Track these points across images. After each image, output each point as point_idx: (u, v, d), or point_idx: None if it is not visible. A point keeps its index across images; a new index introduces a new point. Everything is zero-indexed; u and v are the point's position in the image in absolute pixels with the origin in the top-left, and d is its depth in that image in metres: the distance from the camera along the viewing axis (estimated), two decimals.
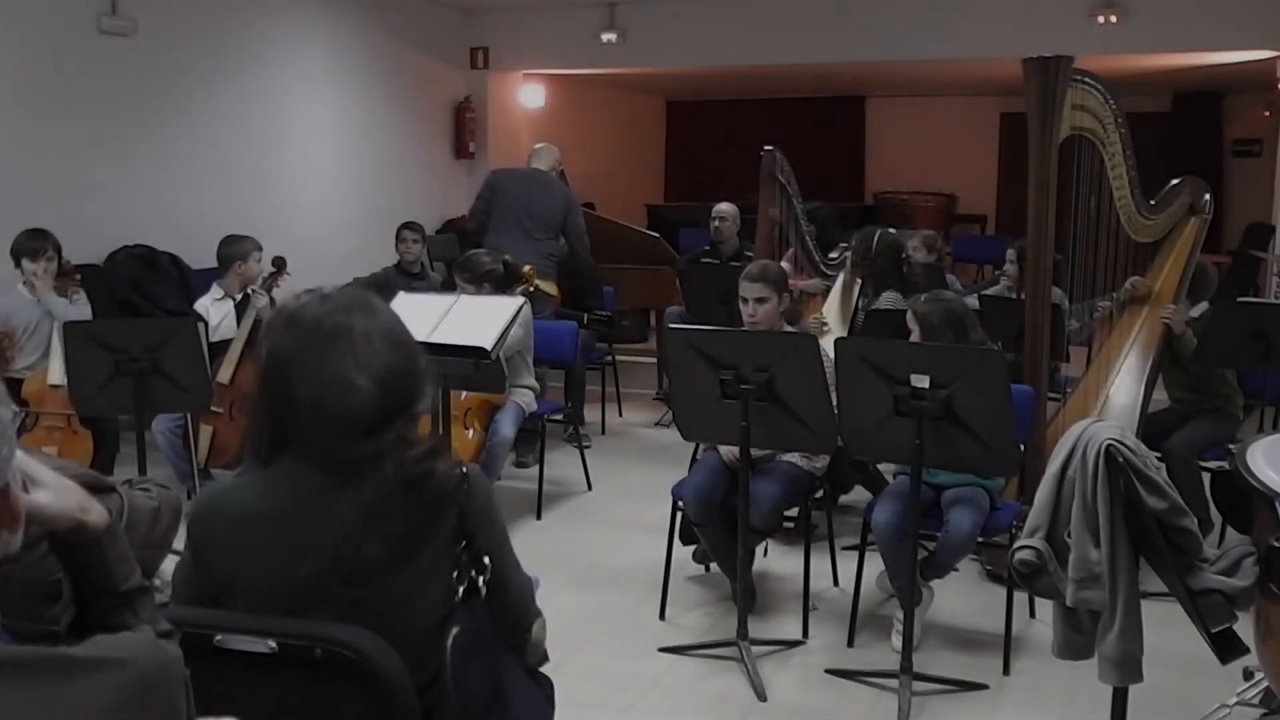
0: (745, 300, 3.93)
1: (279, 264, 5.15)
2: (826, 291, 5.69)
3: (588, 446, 5.76)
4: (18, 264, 4.97)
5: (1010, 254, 5.58)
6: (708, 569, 4.25)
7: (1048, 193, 4.06)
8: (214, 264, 5.39)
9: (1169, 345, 4.54)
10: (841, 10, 8.39)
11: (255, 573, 1.67)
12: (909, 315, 3.71)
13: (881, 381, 3.13)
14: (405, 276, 6.46)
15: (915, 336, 3.65)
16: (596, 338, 6.65)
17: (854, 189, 13.49)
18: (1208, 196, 4.78)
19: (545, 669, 1.99)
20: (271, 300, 5.09)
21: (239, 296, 5.15)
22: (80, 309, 5.03)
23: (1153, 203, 4.62)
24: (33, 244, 4.94)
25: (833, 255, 6.01)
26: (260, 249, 5.22)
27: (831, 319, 5.32)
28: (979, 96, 12.91)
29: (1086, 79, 4.20)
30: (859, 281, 5.33)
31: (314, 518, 1.65)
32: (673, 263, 7.32)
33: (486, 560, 1.72)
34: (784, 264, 5.73)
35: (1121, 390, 4.47)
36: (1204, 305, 4.66)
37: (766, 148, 6.00)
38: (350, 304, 1.71)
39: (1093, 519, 2.40)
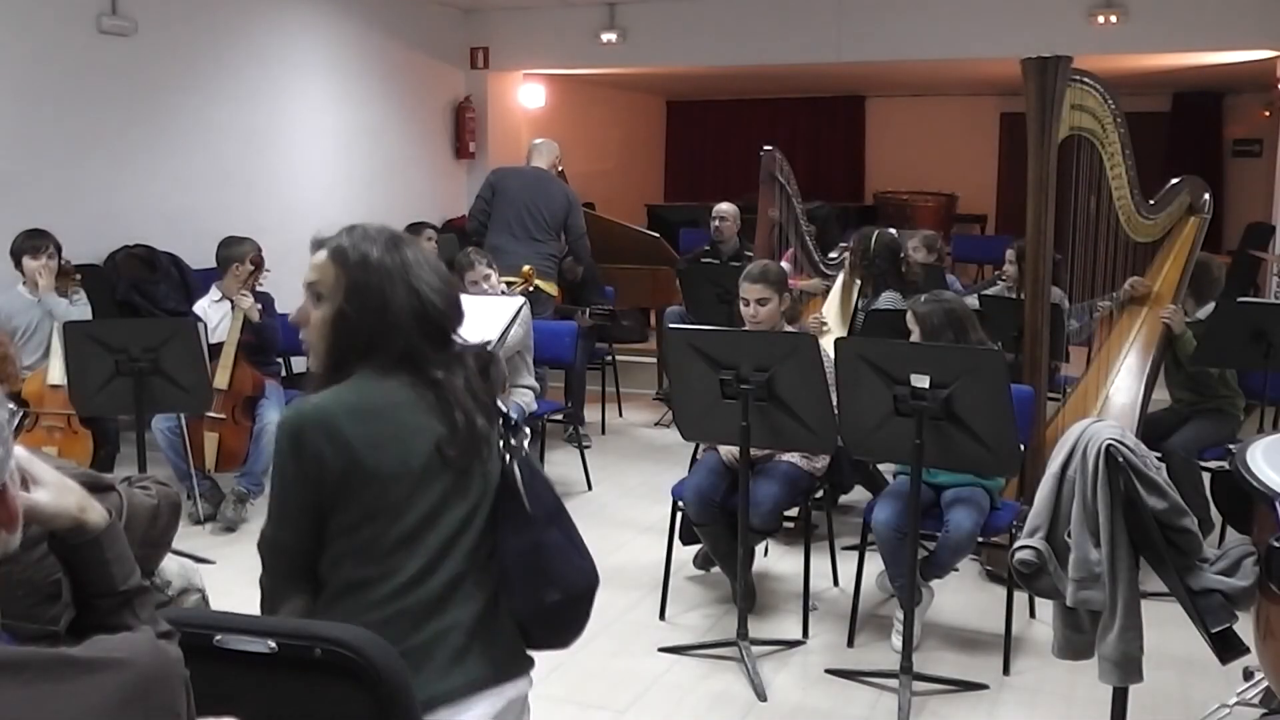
0: (746, 301, 3.93)
1: (256, 261, 5.13)
2: (826, 291, 5.69)
3: (588, 446, 5.76)
4: (18, 264, 4.97)
5: (1010, 254, 5.57)
6: (707, 572, 4.25)
7: (1047, 193, 4.05)
8: (214, 264, 5.38)
9: (1169, 345, 4.54)
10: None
11: (380, 458, 1.76)
12: (909, 316, 3.71)
13: (881, 381, 3.13)
14: None
15: (915, 337, 3.65)
16: (597, 336, 6.64)
17: (854, 189, 13.49)
18: (1207, 196, 4.78)
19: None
20: (256, 298, 5.07)
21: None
22: (80, 309, 5.04)
23: (1152, 202, 4.62)
24: (33, 242, 4.95)
25: (832, 255, 6.01)
26: (260, 250, 5.21)
27: (831, 319, 5.32)
28: (979, 96, 12.91)
29: (1085, 79, 4.20)
30: (858, 282, 5.33)
31: (424, 402, 1.81)
32: (673, 263, 7.32)
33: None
34: (784, 264, 5.73)
35: (1121, 390, 4.47)
36: (1210, 306, 4.65)
37: (766, 147, 6.00)
38: (399, 234, 1.92)
39: (1093, 519, 2.40)
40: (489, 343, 2.04)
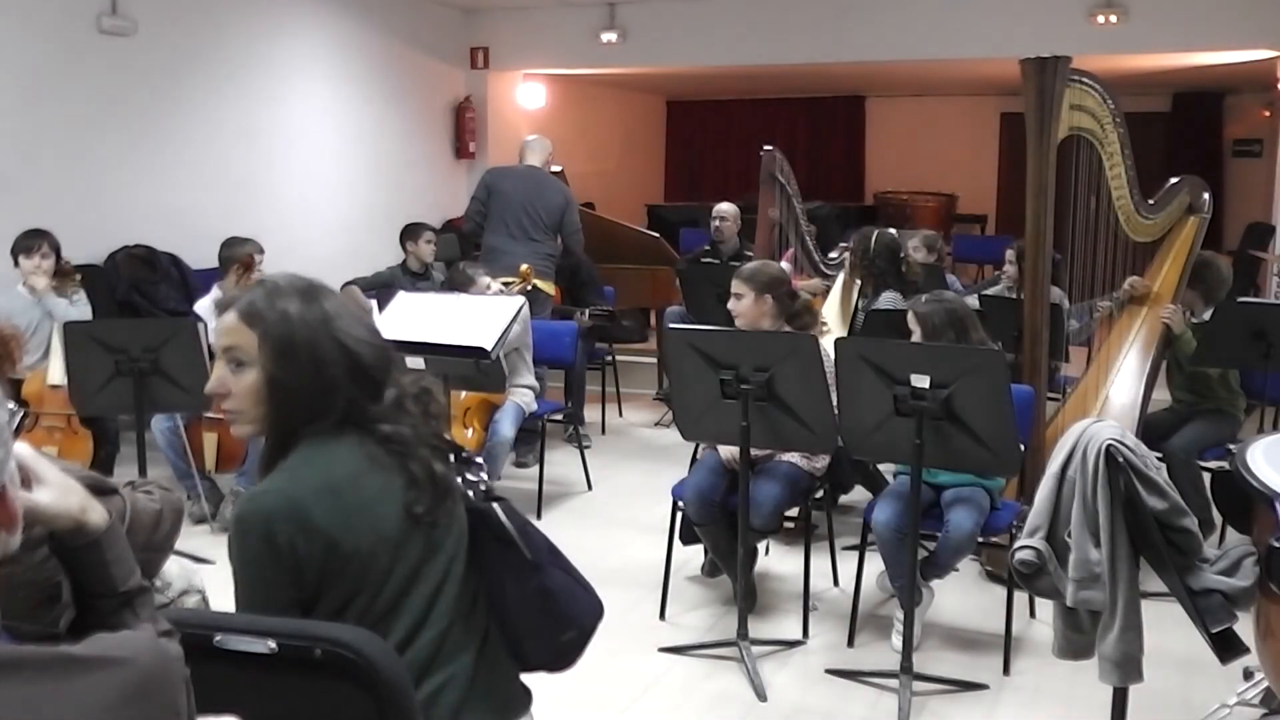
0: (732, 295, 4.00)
1: (246, 261, 5.12)
2: (826, 291, 5.69)
3: (588, 446, 5.76)
4: (17, 264, 4.98)
5: (1010, 254, 5.58)
6: (714, 578, 4.24)
7: (1046, 193, 4.05)
8: (214, 264, 5.38)
9: (1169, 345, 4.54)
10: None
11: (355, 536, 1.68)
12: (910, 316, 3.71)
13: (881, 381, 3.13)
14: (410, 276, 6.47)
15: (916, 337, 3.65)
16: (597, 336, 6.64)
17: (854, 189, 13.50)
18: (1206, 195, 4.78)
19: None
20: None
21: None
22: (80, 309, 5.04)
23: (1151, 202, 4.62)
24: (27, 242, 4.96)
25: (832, 255, 6.01)
26: (262, 252, 5.21)
27: (831, 319, 5.31)
28: (979, 96, 12.91)
29: (1085, 79, 4.19)
30: (858, 282, 5.33)
31: (380, 462, 1.73)
32: (673, 263, 7.32)
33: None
34: (784, 264, 5.73)
35: (1121, 390, 4.47)
36: None
37: (766, 147, 6.00)
38: (319, 283, 1.82)
39: (1093, 519, 2.40)
40: (422, 374, 1.92)
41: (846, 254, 5.53)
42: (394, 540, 1.71)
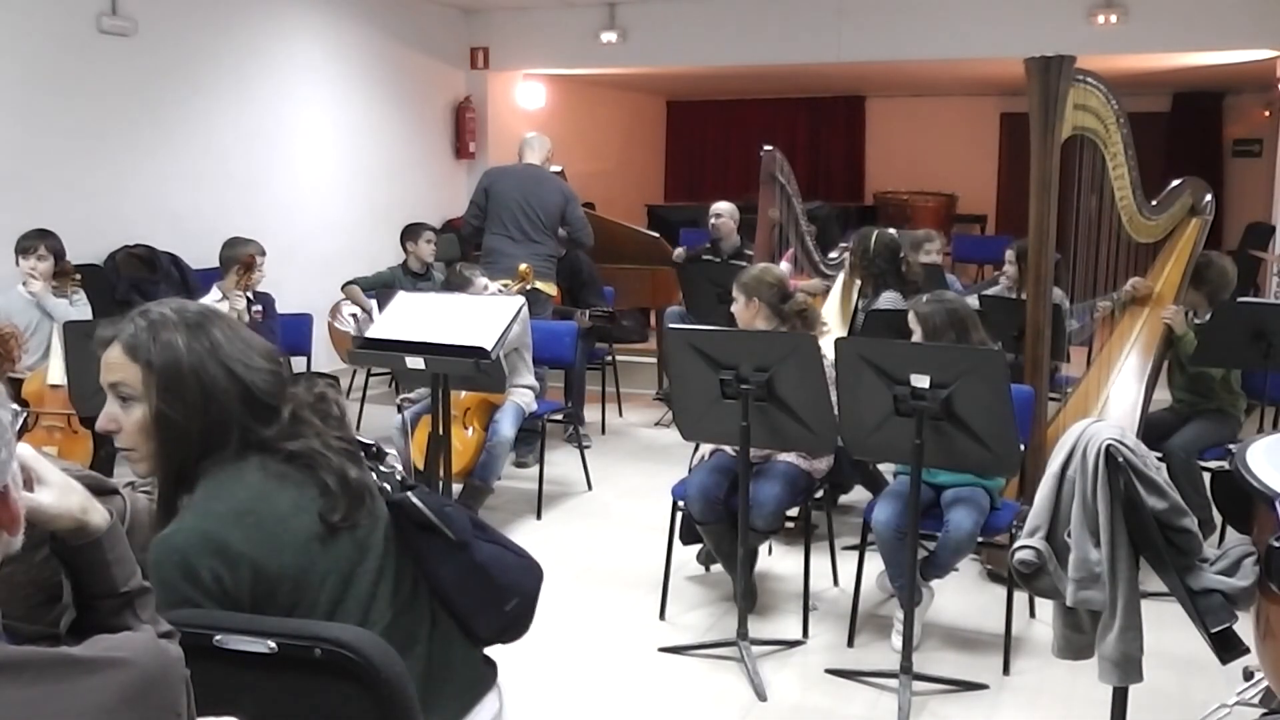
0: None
1: (247, 261, 5.12)
2: (826, 292, 5.69)
3: (588, 446, 5.76)
4: (19, 263, 4.99)
5: (1009, 254, 5.58)
6: (708, 569, 4.26)
7: (1049, 192, 4.05)
8: (214, 264, 5.38)
9: (1170, 346, 4.54)
10: None
11: (279, 556, 1.64)
12: (910, 316, 3.71)
13: (881, 381, 3.13)
14: (410, 276, 6.47)
15: (917, 337, 3.65)
16: (597, 336, 6.63)
17: (854, 189, 13.49)
18: (1209, 197, 4.78)
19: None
20: (248, 300, 5.07)
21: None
22: (80, 309, 5.04)
23: (1154, 203, 4.62)
24: (26, 241, 4.97)
25: (832, 255, 6.01)
26: (264, 253, 5.21)
27: (831, 319, 5.31)
28: (979, 96, 12.91)
29: (1089, 79, 4.19)
30: (858, 282, 5.33)
31: (288, 479, 1.70)
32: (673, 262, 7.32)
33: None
34: (784, 264, 5.73)
35: (1122, 391, 4.47)
36: None
37: (766, 148, 6.00)
38: (194, 305, 1.82)
39: (1093, 519, 2.40)
40: (313, 379, 1.87)
41: (846, 254, 5.53)
42: (318, 552, 1.68)
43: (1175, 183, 4.75)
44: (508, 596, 1.87)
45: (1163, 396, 4.74)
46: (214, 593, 1.60)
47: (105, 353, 1.75)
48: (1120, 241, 4.58)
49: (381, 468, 1.84)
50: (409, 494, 1.82)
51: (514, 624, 1.91)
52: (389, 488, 1.82)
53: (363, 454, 1.82)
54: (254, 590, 1.63)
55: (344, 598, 1.70)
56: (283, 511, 1.67)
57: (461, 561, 1.83)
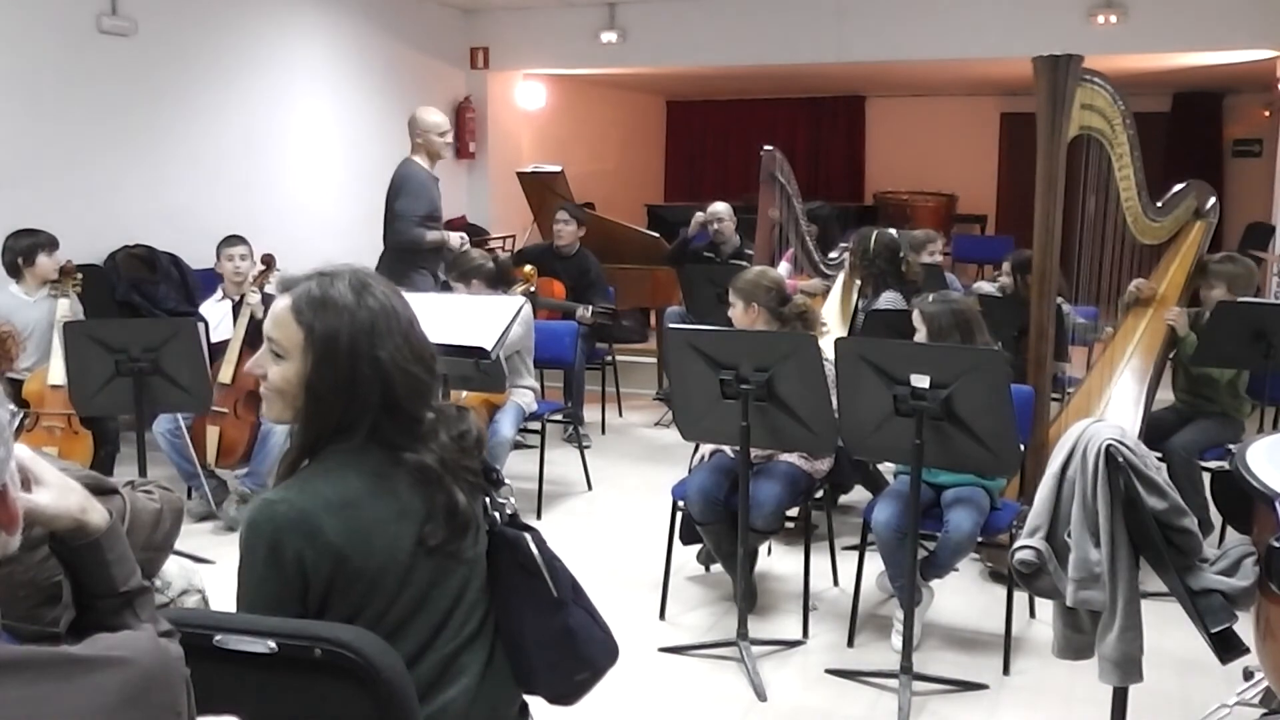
0: None
1: (268, 261, 5.14)
2: (826, 292, 5.69)
3: (588, 446, 5.76)
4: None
5: (1005, 265, 5.61)
6: (708, 569, 4.26)
7: (1055, 191, 4.05)
8: (214, 264, 5.38)
9: (1173, 348, 4.54)
10: None
11: (366, 555, 1.65)
12: (915, 315, 3.71)
13: (881, 381, 3.13)
14: None
15: (921, 336, 3.65)
16: (597, 337, 6.63)
17: (854, 189, 13.50)
18: (1213, 201, 4.79)
19: None
20: (264, 298, 5.08)
21: (237, 297, 5.15)
22: (71, 306, 5.03)
23: (1159, 205, 4.62)
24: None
25: (832, 255, 6.01)
26: (240, 245, 5.16)
27: (831, 319, 5.32)
28: (979, 96, 12.92)
29: (1096, 79, 4.18)
30: (858, 282, 5.33)
31: (397, 486, 1.69)
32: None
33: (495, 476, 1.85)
34: (783, 264, 5.73)
35: (1125, 391, 4.47)
36: None
37: (766, 147, 5.99)
38: (381, 284, 1.77)
39: (1093, 519, 2.40)
40: (460, 406, 1.86)
41: (846, 254, 5.53)
42: (404, 564, 1.68)
43: (1180, 186, 4.75)
44: (582, 668, 1.85)
45: (1165, 396, 4.74)
46: (292, 570, 1.63)
47: (277, 302, 1.74)
48: (1125, 243, 4.57)
49: (496, 496, 1.82)
50: (527, 535, 1.81)
51: (573, 693, 1.89)
52: (497, 518, 1.81)
53: (485, 475, 1.80)
54: (331, 580, 1.64)
55: (415, 616, 1.70)
56: (384, 515, 1.67)
57: (552, 620, 1.80)
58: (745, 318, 3.98)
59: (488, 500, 1.81)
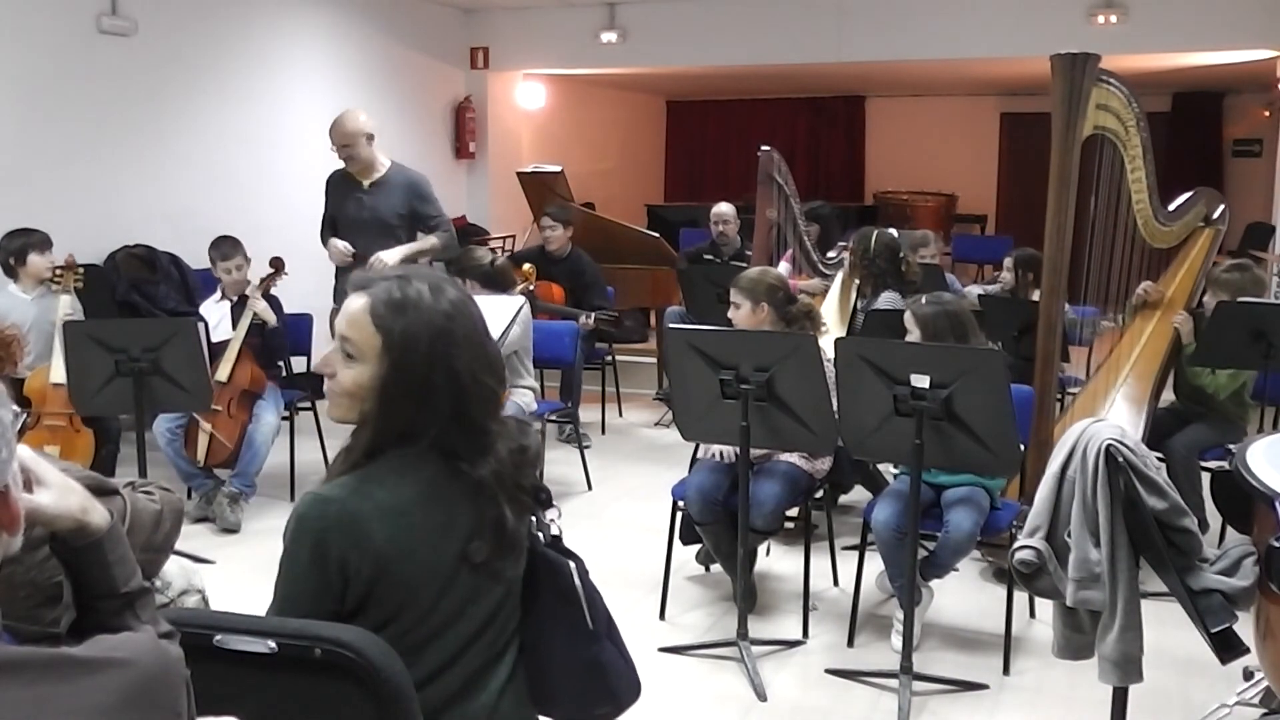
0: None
1: (276, 264, 5.15)
2: (825, 291, 5.69)
3: (588, 446, 5.76)
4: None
5: (1007, 262, 5.60)
6: (708, 569, 4.26)
7: (1068, 189, 4.04)
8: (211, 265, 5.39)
9: (1178, 353, 4.54)
10: None
11: (408, 564, 1.64)
12: (907, 316, 3.70)
13: (881, 381, 3.13)
14: None
15: (914, 338, 3.64)
16: (597, 337, 6.62)
17: (854, 189, 13.49)
18: (1223, 208, 4.80)
19: None
20: (270, 300, 5.10)
21: (235, 298, 5.15)
22: (70, 303, 5.03)
23: (1170, 209, 4.62)
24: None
25: (830, 255, 6.01)
26: (235, 256, 5.16)
27: (830, 319, 5.31)
28: (979, 96, 12.92)
29: (1112, 80, 4.17)
30: (857, 281, 5.33)
31: (450, 496, 1.68)
32: (672, 262, 7.32)
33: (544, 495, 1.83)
34: (783, 264, 5.73)
35: (1128, 394, 4.47)
36: None
37: (764, 148, 5.97)
38: (455, 289, 1.75)
39: (1093, 519, 2.40)
40: (526, 424, 1.87)
41: (845, 253, 5.53)
42: (446, 577, 1.67)
43: (1188, 194, 4.77)
44: (605, 701, 1.83)
45: (1166, 397, 4.73)
46: (334, 570, 1.62)
47: (351, 300, 1.70)
48: (1134, 245, 4.57)
49: (542, 516, 1.80)
50: (570, 563, 1.79)
51: None
52: (540, 537, 1.79)
53: (535, 496, 1.78)
54: (371, 585, 1.63)
55: (446, 630, 1.68)
56: (433, 527, 1.66)
57: (584, 651, 1.79)
58: (753, 318, 3.95)
59: (533, 519, 1.79)
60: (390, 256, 4.88)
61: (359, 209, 5.19)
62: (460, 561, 1.67)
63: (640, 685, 1.90)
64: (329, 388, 1.74)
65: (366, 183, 5.24)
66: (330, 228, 5.27)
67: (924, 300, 3.72)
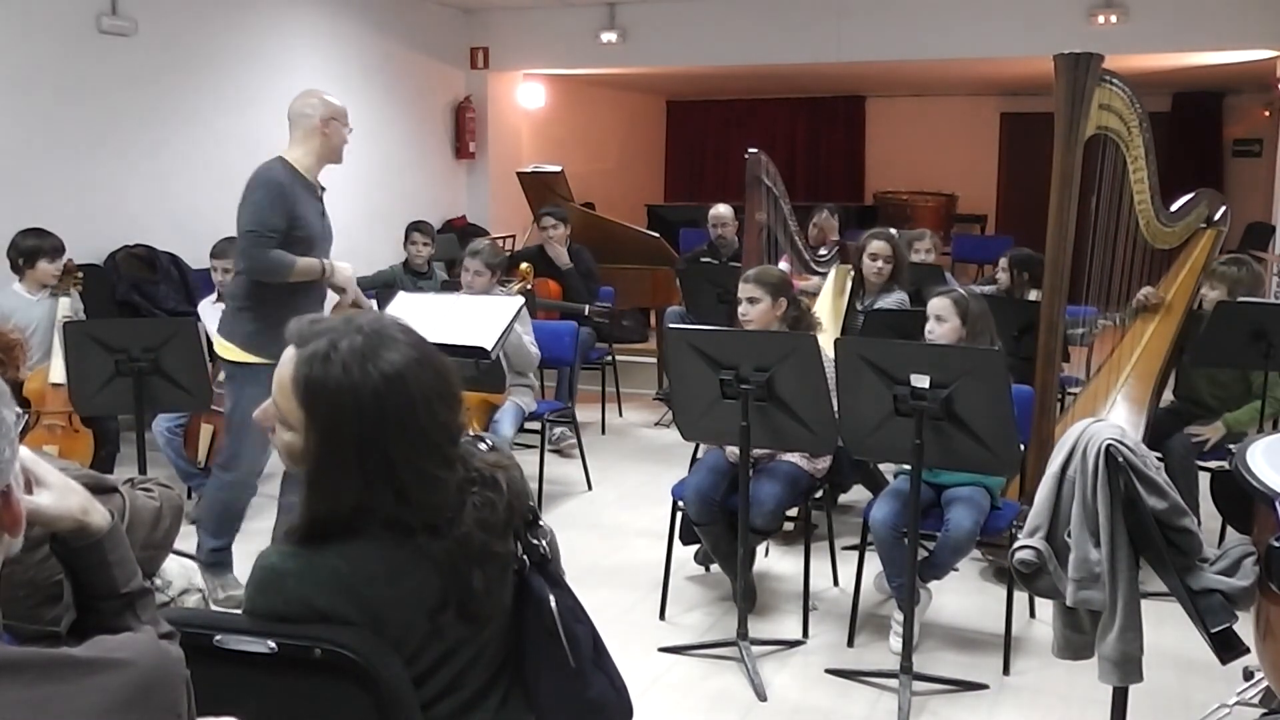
0: (739, 300, 3.98)
1: None
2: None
3: (572, 448, 5.75)
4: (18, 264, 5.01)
5: (1002, 263, 5.60)
6: (708, 569, 4.26)
7: (1071, 188, 4.04)
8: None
9: (1179, 354, 4.53)
10: None
11: (378, 631, 1.56)
12: (943, 304, 3.70)
13: (881, 381, 3.13)
14: (412, 275, 6.48)
15: (948, 327, 3.65)
16: (596, 336, 6.61)
17: (854, 189, 13.49)
18: (1224, 209, 4.80)
19: None
20: None
21: None
22: (71, 305, 5.03)
23: (1172, 210, 4.62)
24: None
25: (822, 252, 6.01)
26: (224, 258, 5.15)
27: (823, 317, 5.30)
28: (979, 96, 12.92)
29: (1115, 80, 4.16)
30: (850, 280, 5.32)
31: (417, 568, 1.57)
32: (672, 263, 7.32)
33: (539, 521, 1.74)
34: (783, 264, 5.73)
35: (1129, 394, 4.47)
36: None
37: (751, 150, 5.91)
38: (396, 344, 1.57)
39: (1093, 519, 2.40)
40: (483, 437, 1.75)
41: (836, 250, 5.54)
42: (423, 635, 1.59)
43: (1190, 195, 4.77)
44: None
45: (1167, 397, 4.74)
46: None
47: (283, 359, 1.56)
48: (1135, 245, 4.56)
49: (530, 537, 1.70)
50: (551, 598, 1.70)
51: None
52: (527, 560, 1.70)
53: (527, 522, 1.70)
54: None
55: (434, 672, 1.62)
56: (398, 597, 1.56)
57: (569, 686, 1.74)
58: (772, 312, 3.94)
59: (518, 543, 1.70)
60: (351, 282, 4.17)
61: (321, 220, 4.28)
62: (434, 626, 1.59)
63: (632, 710, 1.87)
64: (272, 440, 1.63)
65: (321, 186, 4.36)
66: (281, 243, 4.04)
67: (951, 290, 3.74)
